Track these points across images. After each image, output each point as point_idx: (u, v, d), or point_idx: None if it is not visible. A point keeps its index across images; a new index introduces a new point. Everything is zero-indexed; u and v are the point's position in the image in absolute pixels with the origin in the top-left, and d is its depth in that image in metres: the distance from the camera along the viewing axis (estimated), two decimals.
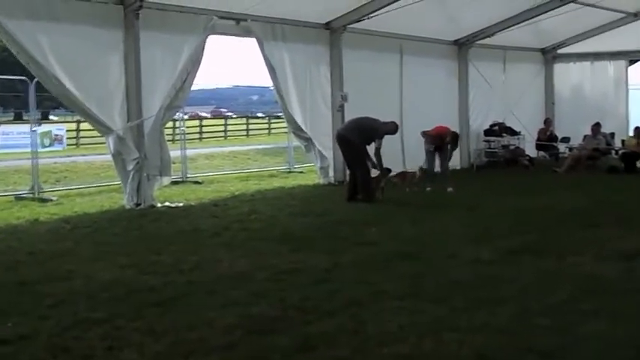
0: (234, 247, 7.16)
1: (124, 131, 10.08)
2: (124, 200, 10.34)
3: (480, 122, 16.51)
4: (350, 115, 12.42)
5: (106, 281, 5.74)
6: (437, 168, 11.98)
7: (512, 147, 16.50)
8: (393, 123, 10.84)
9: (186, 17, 10.64)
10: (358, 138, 10.35)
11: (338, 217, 9.09)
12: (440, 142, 11.63)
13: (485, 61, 16.19)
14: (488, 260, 6.27)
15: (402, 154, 14.34)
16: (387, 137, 10.60)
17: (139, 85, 10.14)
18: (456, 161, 14.70)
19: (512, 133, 16.53)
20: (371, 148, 10.51)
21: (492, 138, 16.35)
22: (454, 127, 15.02)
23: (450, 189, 11.52)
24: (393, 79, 14.40)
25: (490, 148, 16.43)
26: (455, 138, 11.67)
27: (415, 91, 14.51)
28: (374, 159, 10.43)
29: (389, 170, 10.82)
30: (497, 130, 16.38)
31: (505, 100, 16.72)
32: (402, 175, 11.71)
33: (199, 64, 10.88)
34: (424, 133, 11.81)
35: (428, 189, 11.47)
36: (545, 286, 5.40)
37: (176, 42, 10.59)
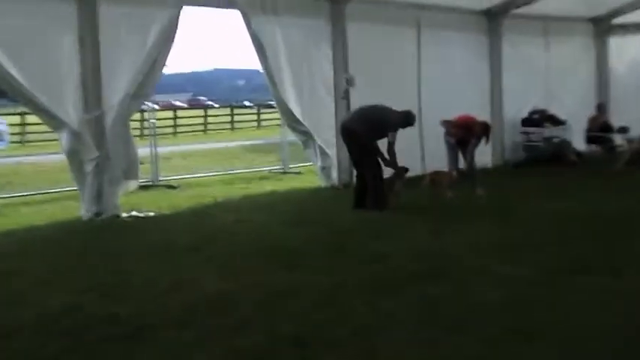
0: (217, 264, 7.21)
1: (80, 125, 10.13)
2: (81, 210, 10.39)
3: (516, 110, 16.52)
4: (357, 103, 12.44)
5: (59, 309, 5.78)
6: (460, 165, 12.02)
7: (556, 139, 16.50)
8: (409, 112, 10.87)
9: None
10: (367, 131, 10.38)
11: (343, 227, 9.13)
12: (466, 134, 11.66)
13: (523, 34, 16.21)
14: (524, 279, 6.31)
15: (420, 149, 14.37)
16: (401, 130, 10.64)
17: (97, 68, 10.20)
18: (486, 157, 14.74)
19: (557, 122, 16.53)
20: (382, 144, 10.55)
21: (532, 129, 16.36)
22: (484, 117, 15.12)
23: (478, 191, 11.56)
24: (409, 58, 14.43)
25: (529, 141, 16.44)
26: (486, 130, 11.71)
27: (436, 74, 14.54)
28: (386, 156, 10.47)
29: (406, 170, 10.84)
30: (538, 119, 16.39)
31: (547, 82, 16.76)
32: (436, 175, 11.72)
33: (172, 42, 10.92)
34: (445, 122, 11.86)
35: (450, 193, 11.50)
36: (599, 312, 5.42)
37: (143, 15, 10.64)
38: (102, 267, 7.20)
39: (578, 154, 16.20)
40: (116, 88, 10.47)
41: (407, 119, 10.75)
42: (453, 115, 12.16)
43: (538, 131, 16.35)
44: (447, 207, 10.58)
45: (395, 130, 10.41)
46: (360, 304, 5.70)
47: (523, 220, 9.29)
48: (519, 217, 9.51)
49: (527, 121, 16.44)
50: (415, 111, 12.87)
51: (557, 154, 16.04)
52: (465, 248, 7.66)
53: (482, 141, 11.84)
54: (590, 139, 17.08)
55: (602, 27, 18.25)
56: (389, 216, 9.89)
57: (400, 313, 5.43)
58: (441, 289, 6.03)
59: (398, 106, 10.94)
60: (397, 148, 10.57)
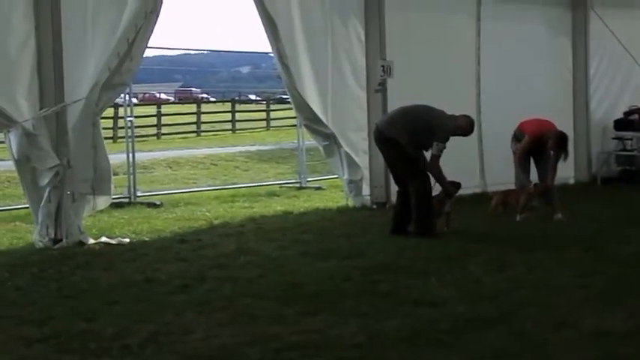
0: (212, 308, 7.16)
1: (34, 124, 10.17)
2: (34, 234, 10.41)
3: (607, 108, 16.46)
4: (396, 99, 12.45)
5: None
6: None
7: None
8: (465, 118, 10.77)
9: None
10: (409, 141, 10.35)
11: (377, 260, 9.08)
12: (537, 145, 11.57)
13: (618, 8, 16.14)
14: (622, 333, 6.21)
15: (479, 160, 14.33)
16: (453, 139, 10.58)
17: (58, 50, 10.24)
18: (567, 171, 14.64)
19: None
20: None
21: (629, 134, 16.27)
22: (564, 118, 15.06)
23: (557, 215, 11.48)
24: (466, 40, 14.42)
25: (624, 150, 16.35)
26: (561, 142, 11.57)
27: (501, 60, 14.52)
28: (431, 171, 10.44)
29: (457, 186, 10.81)
30: (637, 120, 16.30)
31: None
32: (509, 196, 11.66)
33: (156, 16, 10.96)
34: (518, 131, 11.76)
35: (520, 216, 11.43)
36: None
37: None
38: (59, 311, 7.14)
39: None
40: (82, 75, 10.50)
41: (462, 127, 10.66)
42: (522, 115, 12.10)
43: (637, 137, 16.25)
44: (515, 234, 10.50)
45: (444, 141, 10.35)
46: None
47: (616, 254, 9.18)
48: (611, 250, 9.41)
49: (621, 124, 16.34)
50: (473, 110, 12.87)
51: None
52: (542, 291, 7.58)
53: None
54: None
55: None
56: (438, 245, 9.83)
57: None
58: (508, 347, 5.94)
59: (450, 105, 10.90)
60: (448, 157, 10.53)
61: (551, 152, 11.59)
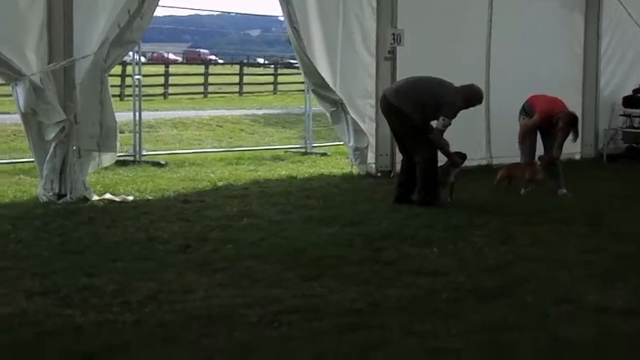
0: (213, 269, 7.17)
1: (42, 78, 10.14)
2: (39, 188, 10.42)
3: (616, 85, 16.41)
4: (405, 67, 12.42)
5: (5, 317, 5.77)
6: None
7: None
8: (473, 89, 10.74)
9: None
10: (415, 110, 10.32)
11: (380, 228, 9.09)
12: (547, 123, 11.49)
13: None
14: (623, 309, 6.20)
15: (486, 132, 14.29)
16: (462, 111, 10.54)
17: (68, 5, 10.19)
18: (573, 147, 14.58)
19: None
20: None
21: (637, 111, 16.22)
22: (573, 93, 15.01)
23: (562, 191, 11.46)
24: (478, 11, 14.34)
25: (632, 127, 16.30)
26: (572, 123, 11.50)
27: (512, 33, 14.44)
28: (436, 140, 10.41)
29: (463, 157, 10.79)
30: None
31: None
32: (515, 170, 11.62)
33: None
34: (528, 101, 11.69)
35: (525, 190, 11.41)
36: None
37: None
38: (61, 265, 7.17)
39: None
40: (92, 31, 10.46)
41: (470, 98, 10.63)
42: (531, 90, 12.00)
43: None
44: (519, 208, 10.49)
45: (451, 117, 10.32)
46: (399, 331, 5.63)
47: (620, 231, 9.16)
48: (615, 227, 9.40)
49: (630, 101, 16.29)
50: (482, 81, 12.83)
51: None
52: (544, 265, 7.57)
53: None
54: None
55: None
56: (441, 215, 9.83)
57: (451, 346, 5.35)
58: (508, 319, 5.94)
59: (459, 75, 10.84)
60: (455, 128, 10.51)
61: (562, 132, 11.50)
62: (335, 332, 5.56)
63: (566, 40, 15.64)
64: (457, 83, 10.59)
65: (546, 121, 11.35)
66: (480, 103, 11.04)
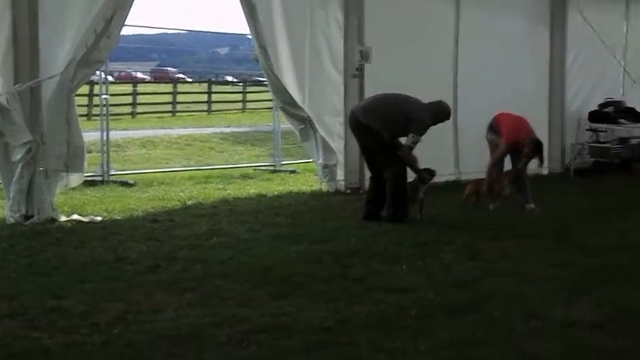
0: (182, 288, 7.16)
1: (8, 98, 10.08)
2: (5, 210, 10.36)
3: (582, 100, 16.51)
4: (373, 84, 12.46)
5: None
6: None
7: (634, 141, 16.46)
8: (441, 106, 10.81)
9: None
10: (384, 127, 10.37)
11: (349, 245, 9.10)
12: (513, 149, 11.50)
13: (597, 1, 16.15)
14: (590, 324, 6.24)
15: (454, 149, 14.35)
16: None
17: (34, 25, 10.16)
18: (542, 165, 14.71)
19: (637, 118, 16.51)
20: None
21: (603, 126, 16.34)
22: (540, 109, 15.12)
23: (530, 205, 11.52)
24: (444, 28, 14.41)
25: (598, 143, 16.42)
26: (537, 149, 11.54)
27: (479, 49, 14.52)
28: (405, 157, 10.46)
29: (432, 173, 10.83)
30: (612, 113, 16.37)
31: (627, 64, 16.71)
32: (479, 184, 11.66)
33: None
34: (496, 118, 11.72)
35: (493, 205, 11.46)
36: None
37: None
38: (28, 287, 7.12)
39: None
40: (58, 51, 10.43)
41: (437, 115, 10.71)
42: (499, 106, 12.04)
43: (611, 129, 16.32)
44: (487, 223, 10.53)
45: (420, 134, 10.38)
46: (367, 348, 5.64)
47: (587, 246, 9.21)
48: (582, 241, 9.44)
49: (596, 116, 16.40)
50: (450, 97, 12.90)
51: (636, 160, 15.99)
52: (512, 280, 7.61)
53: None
54: None
55: None
56: (410, 231, 9.85)
57: None
58: (476, 334, 5.96)
59: (427, 91, 10.91)
60: (424, 144, 10.57)
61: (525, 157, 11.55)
62: (303, 351, 5.56)
63: (532, 55, 15.74)
64: (425, 100, 10.65)
65: (513, 147, 11.41)
66: (448, 119, 11.13)
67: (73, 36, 10.45)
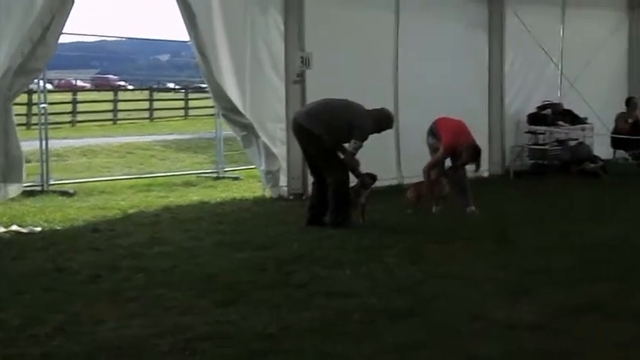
0: (124, 298, 7.11)
1: None
2: None
3: (521, 103, 16.69)
4: (314, 89, 12.48)
5: None
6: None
7: (572, 143, 16.67)
8: (384, 113, 10.86)
9: None
10: (326, 133, 10.39)
11: (291, 250, 9.10)
12: (451, 154, 11.58)
13: (534, 4, 16.33)
14: (532, 325, 6.31)
15: (396, 153, 14.41)
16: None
17: None
18: (482, 165, 14.81)
19: (574, 120, 16.72)
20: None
21: (541, 128, 16.53)
22: (480, 111, 15.24)
23: (471, 208, 11.62)
24: (384, 33, 14.47)
25: (537, 145, 16.60)
26: (474, 155, 11.64)
27: (419, 52, 14.60)
28: (348, 162, 10.51)
29: (374, 178, 10.87)
30: (550, 115, 16.56)
31: (564, 67, 16.91)
32: (419, 188, 11.70)
33: (72, 1, 10.82)
34: (436, 122, 11.79)
35: (436, 208, 11.54)
36: None
37: None
38: None
39: (602, 163, 16.31)
40: None
41: (379, 123, 10.75)
42: (439, 110, 12.12)
43: (549, 131, 16.51)
44: (429, 227, 10.58)
45: (362, 140, 10.44)
46: (311, 354, 5.65)
47: (527, 247, 9.32)
48: (523, 243, 9.56)
49: (535, 118, 16.60)
50: (391, 101, 13.01)
51: (575, 163, 16.17)
52: (455, 282, 7.66)
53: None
54: (617, 144, 17.29)
55: None
56: (353, 236, 9.87)
57: None
58: (422, 338, 5.99)
59: (368, 95, 10.99)
60: (366, 149, 10.61)
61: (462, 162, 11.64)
62: (246, 358, 5.56)
63: (471, 59, 15.85)
64: (367, 105, 10.69)
65: (451, 152, 11.49)
66: (391, 127, 11.20)
67: (8, 45, 10.35)
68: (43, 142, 14.90)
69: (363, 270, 8.18)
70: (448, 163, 11.72)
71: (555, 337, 6.02)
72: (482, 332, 6.18)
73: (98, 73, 75.43)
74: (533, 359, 5.61)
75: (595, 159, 16.30)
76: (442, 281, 7.70)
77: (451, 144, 11.41)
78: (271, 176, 13.20)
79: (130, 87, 57.67)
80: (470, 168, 11.89)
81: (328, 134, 10.40)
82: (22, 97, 20.02)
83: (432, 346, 5.83)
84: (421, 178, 11.75)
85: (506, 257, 8.76)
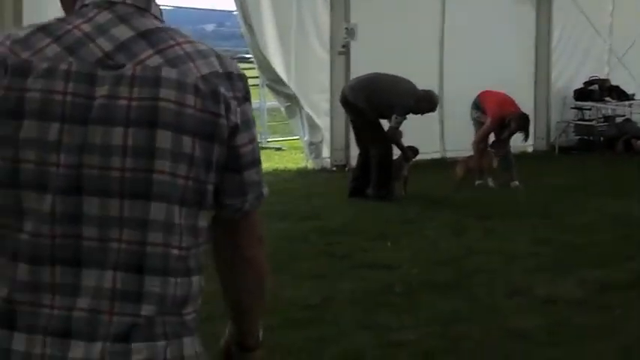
0: None
1: None
2: None
3: (567, 78, 16.53)
4: (360, 61, 12.46)
5: None
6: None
7: (620, 119, 16.51)
8: (428, 94, 10.76)
9: None
10: (369, 108, 10.39)
11: (334, 222, 9.14)
12: (499, 125, 11.52)
13: None
14: (572, 300, 6.32)
15: (439, 125, 14.36)
16: None
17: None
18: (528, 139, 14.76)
19: (622, 96, 16.53)
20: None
21: (588, 104, 16.36)
22: (525, 87, 15.13)
23: (514, 183, 11.58)
24: (430, 5, 14.39)
25: (583, 120, 16.45)
26: (524, 124, 11.59)
27: (464, 26, 14.49)
28: (391, 135, 10.56)
29: (416, 151, 10.86)
30: (597, 91, 16.38)
31: (612, 42, 16.72)
32: (470, 162, 11.65)
33: None
34: (477, 100, 11.73)
35: (478, 182, 11.50)
36: None
37: None
38: None
39: None
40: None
41: (422, 104, 10.68)
42: (483, 84, 12.05)
43: (596, 107, 16.35)
44: (472, 201, 10.58)
45: (403, 115, 10.46)
46: (353, 325, 5.68)
47: (571, 223, 9.29)
48: (566, 218, 9.52)
49: (581, 94, 16.42)
50: (435, 75, 12.93)
51: (622, 139, 16.01)
52: (496, 257, 7.67)
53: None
54: None
55: None
56: (395, 209, 9.89)
57: (405, 339, 5.41)
58: (462, 311, 6.03)
59: (412, 67, 10.94)
60: (409, 122, 10.63)
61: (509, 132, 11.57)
62: (286, 328, 5.57)
63: (518, 33, 15.70)
64: (412, 78, 10.66)
65: (499, 123, 11.43)
66: (432, 110, 11.03)
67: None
68: None
69: (404, 242, 8.21)
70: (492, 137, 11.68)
71: (595, 313, 6.02)
72: (523, 307, 6.20)
73: None
74: (572, 334, 5.59)
75: None
76: (483, 255, 7.71)
77: (499, 115, 11.36)
78: (314, 147, 13.21)
79: None
80: (517, 138, 11.78)
81: (370, 108, 10.41)
82: None
83: (472, 319, 5.85)
84: (468, 153, 11.70)
85: (547, 233, 8.74)
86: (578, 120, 16.43)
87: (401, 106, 10.43)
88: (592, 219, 9.48)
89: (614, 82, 16.52)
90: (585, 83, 16.40)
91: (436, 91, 11.82)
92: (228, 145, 1.82)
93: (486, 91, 11.64)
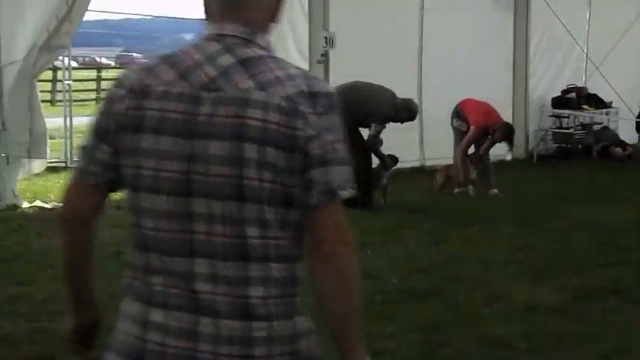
0: None
1: None
2: None
3: (545, 86, 16.60)
4: (338, 70, 12.46)
5: None
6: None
7: (597, 127, 16.59)
8: (409, 103, 10.77)
9: None
10: (347, 117, 10.36)
11: None
12: (483, 134, 11.57)
13: None
14: (551, 307, 6.35)
15: (418, 133, 14.38)
16: None
17: None
18: (504, 148, 14.79)
19: (599, 104, 16.63)
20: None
21: (566, 112, 16.45)
22: (504, 95, 15.19)
23: (493, 191, 11.62)
24: (409, 13, 14.42)
25: (561, 128, 16.54)
26: (508, 134, 11.66)
27: (444, 35, 14.54)
28: (370, 144, 10.56)
29: (395, 160, 10.88)
30: (575, 99, 16.47)
31: (590, 50, 16.80)
32: (448, 170, 11.70)
33: None
34: (460, 105, 11.78)
35: (457, 190, 11.54)
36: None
37: None
38: None
39: (627, 148, 16.21)
40: (19, 36, 10.34)
41: (401, 113, 10.69)
42: (463, 92, 12.09)
43: (573, 115, 16.44)
44: (451, 209, 10.60)
45: (382, 124, 10.48)
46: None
47: (549, 230, 9.34)
48: (545, 226, 9.56)
49: (559, 102, 16.51)
50: (414, 84, 12.92)
51: (599, 146, 16.09)
52: (475, 265, 7.70)
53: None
54: None
55: None
56: (374, 218, 9.89)
57: (385, 348, 5.41)
58: (442, 319, 6.03)
59: (392, 76, 10.96)
60: (388, 130, 10.66)
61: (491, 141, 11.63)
62: None
63: (496, 42, 15.77)
64: (391, 87, 10.68)
65: (482, 132, 11.48)
66: (411, 119, 11.06)
67: (34, 21, 10.38)
68: (68, 119, 14.95)
69: (384, 251, 8.22)
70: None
71: (575, 320, 6.05)
72: (502, 314, 6.21)
73: (123, 51, 75.61)
74: (552, 341, 5.62)
75: (622, 144, 16.19)
76: (463, 263, 7.74)
77: (483, 124, 11.41)
78: None
79: None
80: (495, 152, 11.83)
81: (349, 117, 10.40)
82: (47, 74, 20.04)
83: (452, 326, 5.86)
84: (447, 161, 11.73)
85: (527, 240, 8.78)
86: (556, 128, 16.52)
87: (380, 115, 10.44)
88: (570, 226, 9.52)
89: (591, 90, 16.63)
90: (563, 91, 16.51)
91: (415, 99, 11.81)
92: (304, 151, 2.14)
93: (468, 100, 11.68)
